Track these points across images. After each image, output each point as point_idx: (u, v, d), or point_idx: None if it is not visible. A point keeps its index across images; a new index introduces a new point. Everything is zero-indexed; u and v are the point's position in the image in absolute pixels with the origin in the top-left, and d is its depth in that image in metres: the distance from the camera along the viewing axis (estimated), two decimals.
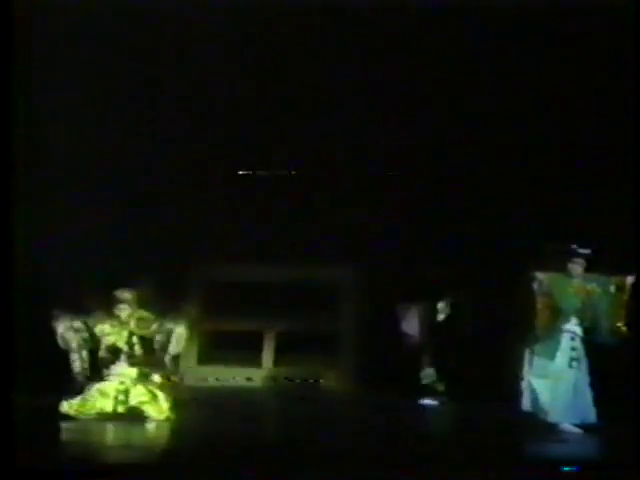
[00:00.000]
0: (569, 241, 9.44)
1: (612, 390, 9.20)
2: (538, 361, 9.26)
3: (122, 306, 9.71)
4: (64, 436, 8.35)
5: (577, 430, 9.11)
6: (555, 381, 9.18)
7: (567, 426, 9.15)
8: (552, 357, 9.19)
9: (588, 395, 9.23)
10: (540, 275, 9.31)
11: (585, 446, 8.79)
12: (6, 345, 7.19)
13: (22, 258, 7.60)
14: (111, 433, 8.70)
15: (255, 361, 13.11)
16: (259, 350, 13.17)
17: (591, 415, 9.20)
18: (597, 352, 9.27)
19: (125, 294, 9.72)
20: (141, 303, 9.78)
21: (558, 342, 9.19)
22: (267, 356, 13.23)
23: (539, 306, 9.27)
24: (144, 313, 9.77)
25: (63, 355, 9.51)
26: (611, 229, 10.42)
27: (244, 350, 12.29)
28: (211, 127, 12.33)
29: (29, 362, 8.20)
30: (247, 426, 9.49)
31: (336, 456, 7.55)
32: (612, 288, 9.27)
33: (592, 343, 9.25)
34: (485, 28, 10.97)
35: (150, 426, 8.98)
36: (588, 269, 9.35)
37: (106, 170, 11.86)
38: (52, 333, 9.51)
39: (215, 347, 13.19)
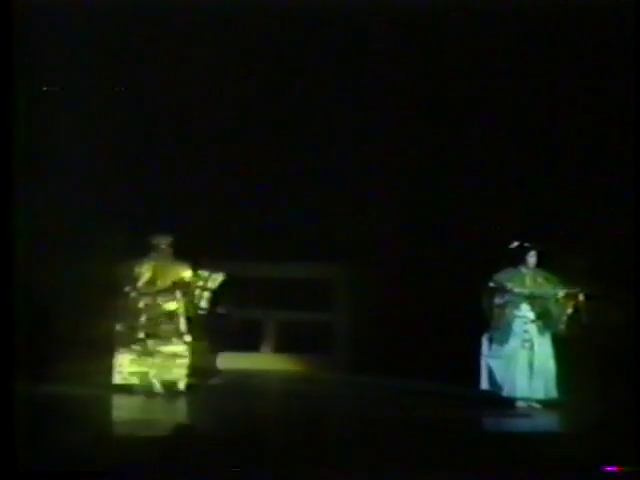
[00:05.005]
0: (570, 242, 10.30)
1: (612, 389, 9.28)
2: (494, 345, 10.29)
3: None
4: (64, 436, 8.34)
5: (535, 405, 10.11)
6: (509, 360, 10.18)
7: (525, 401, 10.12)
8: (506, 340, 10.21)
9: (549, 372, 10.13)
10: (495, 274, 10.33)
11: (585, 445, 8.84)
12: (5, 339, 7.19)
13: (22, 258, 7.60)
14: (111, 433, 8.70)
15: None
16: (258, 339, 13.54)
17: (552, 391, 10.12)
18: (597, 352, 9.69)
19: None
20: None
21: (511, 327, 10.22)
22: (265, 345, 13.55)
23: (495, 299, 10.25)
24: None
25: (63, 350, 9.46)
26: (611, 229, 10.49)
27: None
28: (210, 125, 12.36)
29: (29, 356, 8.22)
30: (244, 415, 9.58)
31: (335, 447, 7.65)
32: (561, 293, 10.14)
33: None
34: (483, 29, 11.04)
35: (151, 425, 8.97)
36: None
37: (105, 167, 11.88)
38: (52, 327, 9.41)
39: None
